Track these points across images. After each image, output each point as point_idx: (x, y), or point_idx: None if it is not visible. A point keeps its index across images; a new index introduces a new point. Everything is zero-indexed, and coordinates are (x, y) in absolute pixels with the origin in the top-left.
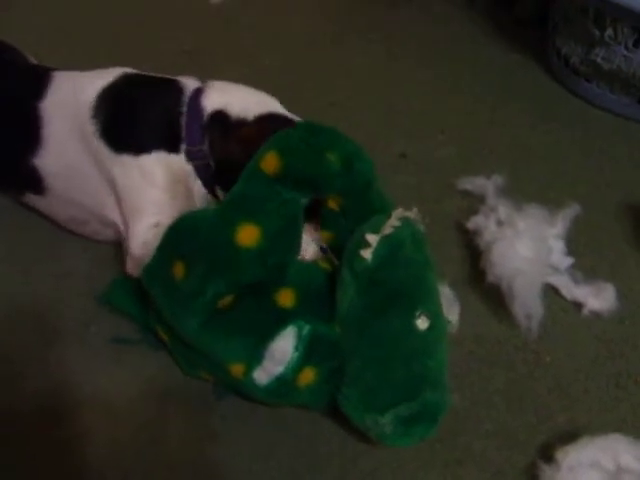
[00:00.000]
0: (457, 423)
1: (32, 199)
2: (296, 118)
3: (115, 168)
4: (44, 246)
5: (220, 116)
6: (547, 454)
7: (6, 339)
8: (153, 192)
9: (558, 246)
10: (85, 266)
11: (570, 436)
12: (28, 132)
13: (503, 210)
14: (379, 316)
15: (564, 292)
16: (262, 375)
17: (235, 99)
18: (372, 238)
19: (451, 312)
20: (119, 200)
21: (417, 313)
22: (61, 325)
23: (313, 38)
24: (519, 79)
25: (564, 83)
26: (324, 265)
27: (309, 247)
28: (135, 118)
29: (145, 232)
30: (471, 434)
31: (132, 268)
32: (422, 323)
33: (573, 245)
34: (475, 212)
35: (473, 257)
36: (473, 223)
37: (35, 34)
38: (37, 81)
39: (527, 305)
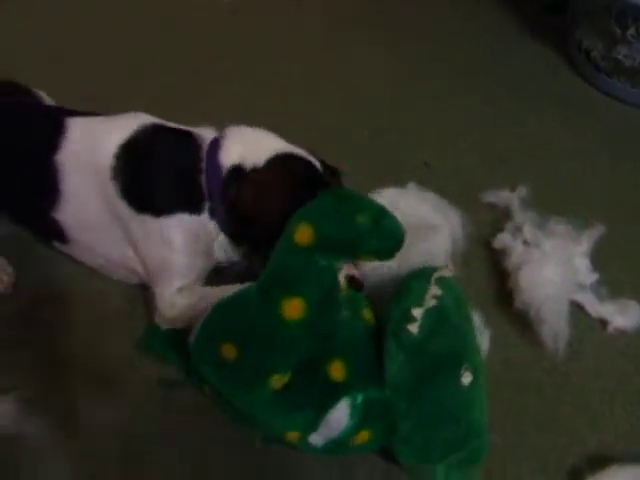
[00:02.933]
0: (490, 449)
1: (60, 247)
2: (301, 152)
3: (136, 227)
4: (82, 287)
5: (237, 172)
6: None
7: (51, 383)
8: (173, 256)
9: (583, 263)
10: (124, 306)
11: (600, 459)
12: (46, 186)
13: (529, 229)
14: (428, 381)
15: (589, 309)
16: (318, 439)
17: (248, 150)
18: (417, 312)
19: (482, 340)
20: (142, 257)
21: (462, 371)
22: (104, 368)
23: (327, 40)
24: (542, 74)
25: (586, 77)
26: (368, 316)
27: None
28: (156, 180)
29: (171, 296)
30: (504, 460)
31: (162, 323)
32: (466, 378)
33: (599, 259)
34: (500, 228)
35: (501, 277)
36: (499, 242)
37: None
38: (52, 131)
39: (555, 328)
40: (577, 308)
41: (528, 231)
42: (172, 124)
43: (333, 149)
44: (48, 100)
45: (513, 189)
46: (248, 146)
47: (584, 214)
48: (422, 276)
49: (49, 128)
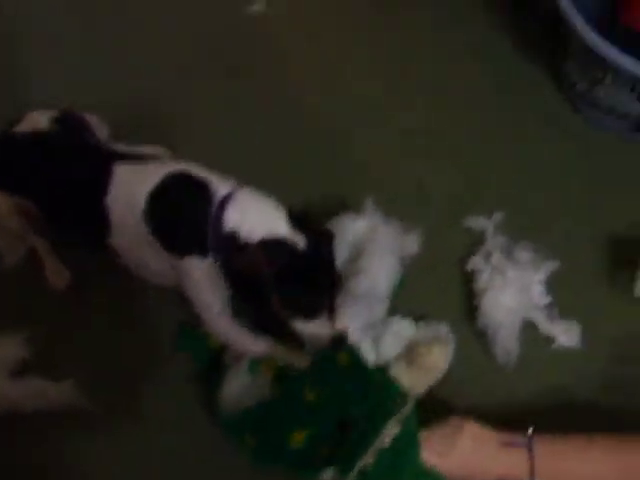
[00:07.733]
0: None
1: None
2: (294, 238)
3: (171, 261)
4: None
5: (232, 237)
6: None
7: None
8: (202, 291)
9: (538, 289)
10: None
11: None
12: (99, 217)
13: (496, 256)
14: None
15: (540, 327)
16: None
17: (247, 220)
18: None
19: (447, 351)
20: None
21: None
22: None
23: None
24: (529, 91)
25: (570, 100)
26: (345, 358)
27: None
28: (174, 227)
29: (215, 320)
30: None
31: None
32: None
33: (555, 284)
34: (475, 252)
35: (471, 297)
36: (471, 265)
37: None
38: (102, 175)
39: (506, 347)
40: (533, 326)
41: (495, 258)
42: (195, 171)
43: None
44: (99, 124)
45: (491, 215)
46: (248, 216)
47: (554, 235)
48: (388, 411)
49: (101, 172)
